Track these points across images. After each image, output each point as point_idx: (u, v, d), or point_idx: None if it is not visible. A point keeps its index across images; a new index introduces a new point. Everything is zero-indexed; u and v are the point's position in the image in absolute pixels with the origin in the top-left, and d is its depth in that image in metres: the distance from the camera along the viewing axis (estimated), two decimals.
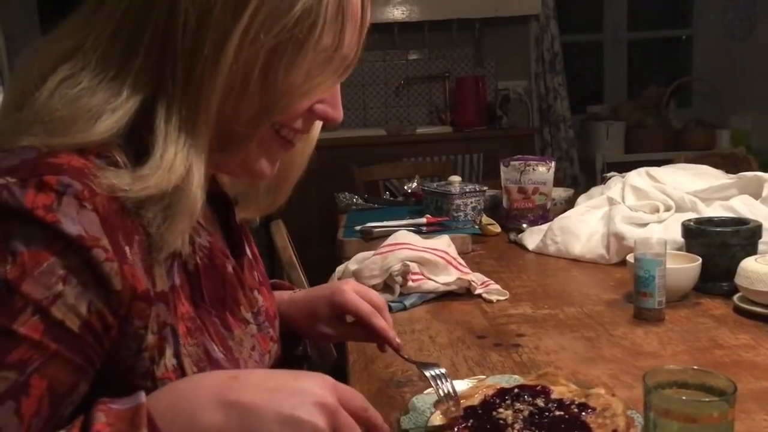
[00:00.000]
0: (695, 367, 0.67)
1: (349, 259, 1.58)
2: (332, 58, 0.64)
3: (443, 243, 1.44)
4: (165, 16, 0.58)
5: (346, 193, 2.25)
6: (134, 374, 0.58)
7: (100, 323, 0.54)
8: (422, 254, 1.34)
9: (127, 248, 0.55)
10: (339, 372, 1.23)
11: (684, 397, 0.64)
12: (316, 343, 1.01)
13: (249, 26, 0.59)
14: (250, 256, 0.80)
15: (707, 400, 0.63)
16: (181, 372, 0.60)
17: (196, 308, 0.64)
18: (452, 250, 1.43)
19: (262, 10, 0.59)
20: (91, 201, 0.53)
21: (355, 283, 0.94)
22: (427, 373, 0.82)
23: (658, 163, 2.52)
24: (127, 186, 0.55)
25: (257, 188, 0.79)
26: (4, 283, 0.50)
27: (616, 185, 1.70)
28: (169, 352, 0.60)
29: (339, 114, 0.70)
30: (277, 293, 0.94)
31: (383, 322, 0.88)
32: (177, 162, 0.58)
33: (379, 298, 0.92)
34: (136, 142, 0.59)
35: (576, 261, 1.59)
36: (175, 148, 0.58)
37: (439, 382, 0.80)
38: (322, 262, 1.92)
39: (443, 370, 0.82)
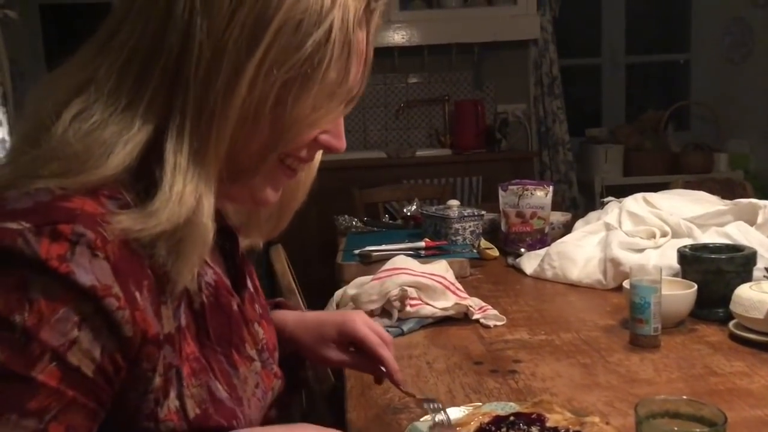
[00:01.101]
0: (685, 397, 0.68)
1: (347, 282, 1.59)
2: (337, 91, 0.66)
3: (441, 268, 1.45)
4: (178, 49, 0.60)
5: (346, 216, 2.26)
6: (138, 415, 0.59)
7: (112, 366, 0.55)
8: (420, 279, 1.35)
9: (137, 293, 0.56)
10: (336, 397, 1.24)
11: (675, 428, 0.65)
12: (316, 364, 1.03)
13: (263, 61, 0.60)
14: (251, 288, 0.81)
15: (698, 431, 0.64)
16: (183, 414, 0.61)
17: (202, 347, 0.65)
18: (450, 275, 1.44)
19: (275, 45, 0.61)
20: (103, 249, 0.54)
21: (366, 316, 0.96)
22: (426, 407, 0.85)
23: (657, 186, 2.53)
24: (140, 226, 0.56)
25: (259, 215, 0.81)
26: (23, 330, 0.51)
27: (613, 210, 1.71)
28: (172, 393, 0.60)
29: (342, 144, 0.72)
30: (282, 312, 0.96)
31: (389, 354, 0.91)
32: (186, 193, 0.59)
33: (387, 333, 0.95)
34: (146, 175, 0.60)
35: (573, 286, 1.60)
36: (184, 179, 0.59)
37: (435, 414, 0.84)
38: (321, 285, 1.93)
39: (440, 405, 0.85)
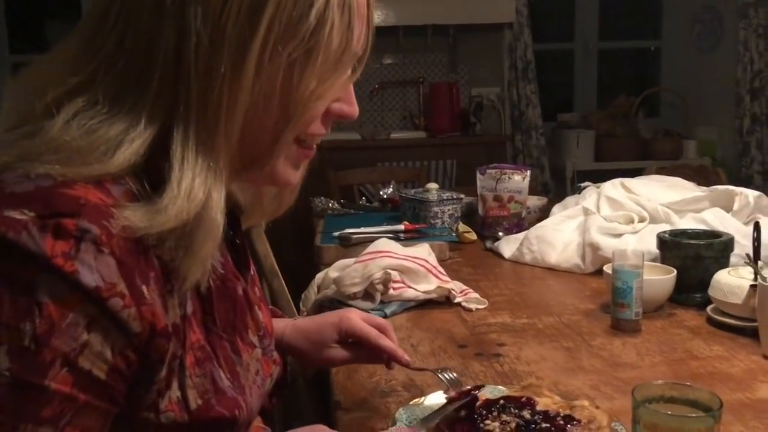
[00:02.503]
0: (686, 383, 0.69)
1: (326, 265, 1.57)
2: (342, 58, 0.63)
3: (424, 251, 1.44)
4: (174, 41, 0.57)
5: (322, 198, 2.24)
6: (140, 406, 0.57)
7: (125, 363, 0.54)
8: (403, 262, 1.34)
9: (144, 287, 0.54)
10: (318, 380, 1.23)
11: (671, 412, 0.65)
12: (320, 366, 1.03)
13: (266, 39, 0.58)
14: (252, 272, 0.80)
15: (694, 415, 0.65)
16: (184, 404, 0.59)
17: (208, 333, 0.64)
18: (432, 259, 1.44)
19: (276, 21, 0.58)
20: (109, 244, 0.52)
21: (358, 311, 0.97)
22: (440, 376, 0.90)
23: (628, 171, 2.57)
24: (147, 223, 0.54)
25: (262, 195, 0.79)
26: (33, 338, 0.49)
27: (591, 196, 1.73)
28: (175, 384, 0.59)
29: (355, 110, 0.69)
30: (276, 320, 0.95)
31: (390, 342, 0.91)
32: (195, 187, 0.56)
33: (384, 320, 0.96)
34: (154, 170, 0.58)
35: (551, 270, 1.61)
36: (192, 172, 0.57)
37: (452, 384, 0.89)
38: (296, 267, 1.91)
39: (454, 375, 0.90)
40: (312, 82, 0.61)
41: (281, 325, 0.95)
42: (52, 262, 0.50)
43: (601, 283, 1.44)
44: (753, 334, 1.11)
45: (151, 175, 0.58)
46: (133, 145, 0.56)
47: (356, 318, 0.92)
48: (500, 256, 1.74)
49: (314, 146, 0.69)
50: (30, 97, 0.59)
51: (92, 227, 0.52)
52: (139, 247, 0.55)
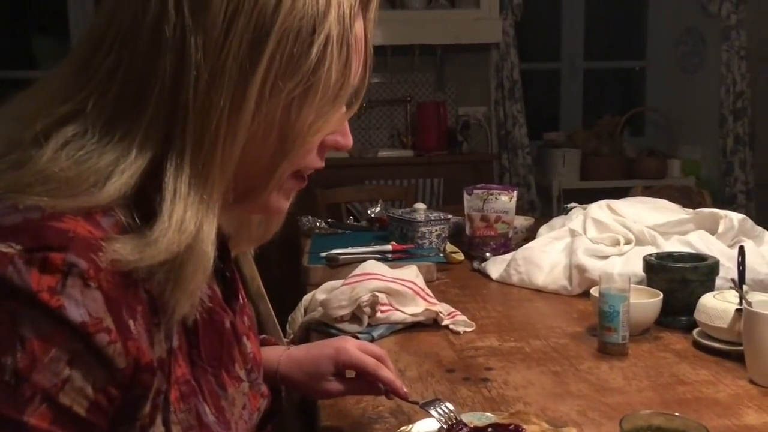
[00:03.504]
0: (674, 413, 0.69)
1: (313, 285, 1.57)
2: (340, 92, 0.63)
3: (411, 273, 1.44)
4: (172, 73, 0.56)
5: (309, 217, 2.24)
6: None
7: (106, 399, 0.53)
8: (391, 285, 1.34)
9: (130, 322, 0.54)
10: (305, 405, 1.22)
11: None
12: (315, 398, 1.02)
13: (267, 74, 0.57)
14: (241, 299, 0.79)
15: None
16: None
17: (193, 366, 0.63)
18: (420, 281, 1.44)
19: (278, 54, 0.57)
20: (96, 279, 0.51)
21: (355, 340, 0.96)
22: (433, 412, 0.88)
23: (613, 190, 2.59)
24: (137, 256, 0.53)
25: (250, 222, 0.78)
26: (14, 372, 0.48)
27: (577, 217, 1.74)
28: (158, 420, 0.58)
29: (349, 141, 0.70)
30: (268, 350, 0.94)
31: (389, 373, 0.91)
32: (187, 220, 0.56)
33: (380, 349, 0.95)
34: (144, 202, 0.57)
35: (539, 291, 1.61)
36: (184, 204, 0.56)
37: (445, 417, 0.87)
38: (282, 285, 1.90)
39: (449, 406, 0.89)
40: (310, 116, 0.61)
41: (275, 354, 0.94)
42: (37, 297, 0.49)
43: (588, 305, 1.44)
44: (739, 358, 1.12)
45: (141, 207, 0.57)
46: (123, 176, 0.55)
47: (353, 349, 0.91)
48: (488, 276, 1.74)
49: (307, 178, 0.69)
50: (18, 125, 0.58)
51: (80, 261, 0.51)
52: (128, 281, 0.54)
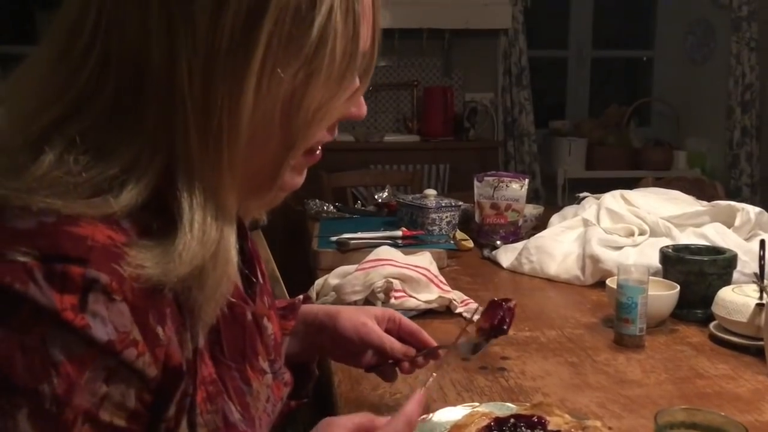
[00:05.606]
0: (711, 410, 0.68)
1: (323, 269, 1.56)
2: (348, 69, 0.58)
3: (425, 260, 1.43)
4: (165, 71, 0.52)
5: (317, 201, 2.22)
6: None
7: (142, 405, 0.51)
8: (405, 271, 1.33)
9: (159, 328, 0.51)
10: (321, 392, 1.21)
11: None
12: (344, 362, 0.99)
13: (264, 63, 0.53)
14: (260, 278, 0.76)
15: None
16: None
17: (217, 365, 0.61)
18: (434, 268, 1.42)
19: (274, 41, 0.53)
20: (120, 291, 0.49)
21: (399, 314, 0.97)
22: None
23: (619, 181, 2.57)
24: (160, 270, 0.51)
25: None
26: (53, 399, 0.46)
27: (591, 207, 1.72)
28: (184, 423, 0.56)
29: (363, 110, 0.65)
30: (308, 308, 0.93)
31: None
32: (207, 228, 0.53)
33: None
34: (162, 210, 0.54)
35: (550, 281, 1.60)
36: (203, 213, 0.53)
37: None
38: (289, 269, 1.88)
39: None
40: (315, 102, 0.57)
41: (314, 309, 0.92)
42: (62, 315, 0.47)
43: (602, 296, 1.43)
44: (758, 353, 1.11)
45: (159, 214, 0.54)
46: (139, 184, 0.52)
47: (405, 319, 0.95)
48: (498, 264, 1.73)
49: (320, 152, 0.65)
50: (4, 123, 0.54)
51: (100, 276, 0.48)
52: (153, 286, 0.51)
